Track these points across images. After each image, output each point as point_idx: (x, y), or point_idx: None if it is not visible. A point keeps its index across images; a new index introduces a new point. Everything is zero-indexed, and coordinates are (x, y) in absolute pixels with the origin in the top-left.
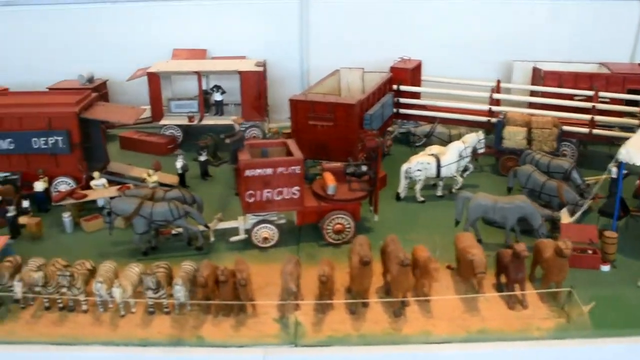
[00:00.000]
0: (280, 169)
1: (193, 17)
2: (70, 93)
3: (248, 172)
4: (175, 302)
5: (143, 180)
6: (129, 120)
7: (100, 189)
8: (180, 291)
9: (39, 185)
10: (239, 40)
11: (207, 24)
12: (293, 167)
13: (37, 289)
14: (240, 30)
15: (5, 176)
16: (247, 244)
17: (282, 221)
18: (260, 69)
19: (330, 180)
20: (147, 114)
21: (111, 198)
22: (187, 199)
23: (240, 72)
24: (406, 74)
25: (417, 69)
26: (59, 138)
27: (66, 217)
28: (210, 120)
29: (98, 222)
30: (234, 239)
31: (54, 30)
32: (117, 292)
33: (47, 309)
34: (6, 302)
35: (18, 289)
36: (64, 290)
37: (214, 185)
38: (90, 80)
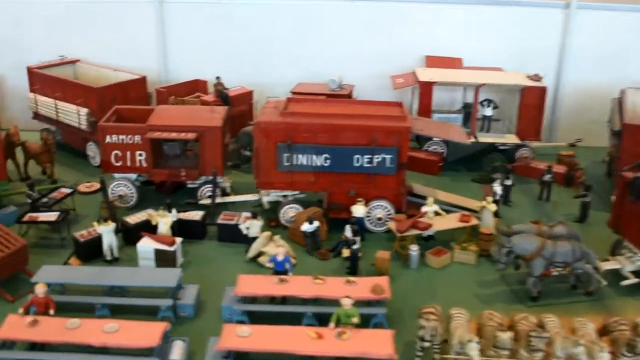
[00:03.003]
0: None
1: (439, 21)
2: (385, 104)
3: None
4: None
5: (480, 210)
6: (466, 139)
7: (433, 216)
8: None
9: (359, 210)
10: (487, 48)
11: (455, 30)
12: None
13: (504, 352)
14: (492, 39)
15: (294, 194)
16: (637, 288)
17: None
18: (543, 84)
19: None
20: None
21: (507, 235)
22: (572, 235)
23: (523, 87)
24: None
25: None
26: (388, 156)
27: (414, 250)
28: (486, 138)
29: (446, 257)
30: (626, 282)
31: (284, 28)
32: (605, 358)
33: None
34: None
35: (474, 352)
36: (537, 355)
37: (522, 214)
38: (341, 85)
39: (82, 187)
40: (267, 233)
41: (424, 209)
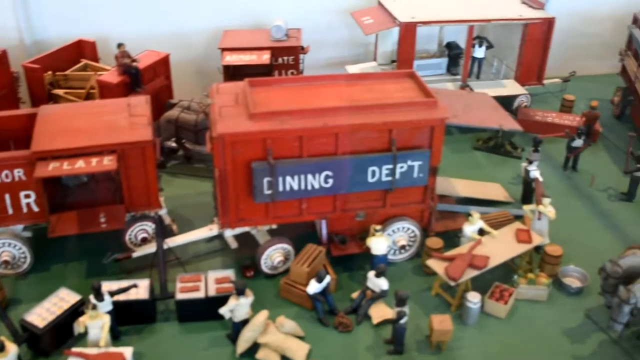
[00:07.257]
0: None
1: None
2: (392, 77)
3: None
4: None
5: (531, 214)
6: (517, 125)
7: (477, 237)
8: None
9: (381, 245)
10: None
11: None
12: None
13: None
14: None
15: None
16: None
17: None
18: (551, 15)
19: None
20: None
21: (617, 278)
22: None
23: (527, 22)
24: None
25: None
26: (417, 163)
27: (474, 303)
28: (483, 88)
29: (512, 299)
30: None
31: None
32: None
33: None
34: None
35: None
36: None
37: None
38: (287, 33)
39: None
40: (264, 314)
41: (466, 229)
